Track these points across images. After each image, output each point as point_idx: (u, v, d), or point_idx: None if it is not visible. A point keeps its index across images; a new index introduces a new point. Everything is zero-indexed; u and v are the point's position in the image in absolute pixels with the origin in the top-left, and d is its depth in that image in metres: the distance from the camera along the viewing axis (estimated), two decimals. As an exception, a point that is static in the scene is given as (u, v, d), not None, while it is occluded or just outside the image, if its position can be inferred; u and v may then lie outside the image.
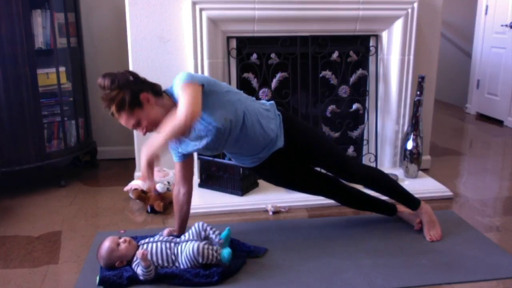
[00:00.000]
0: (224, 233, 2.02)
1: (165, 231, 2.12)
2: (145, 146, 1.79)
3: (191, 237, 2.00)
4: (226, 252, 1.94)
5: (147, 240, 2.01)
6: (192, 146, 2.02)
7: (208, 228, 2.02)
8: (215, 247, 1.95)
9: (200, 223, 2.03)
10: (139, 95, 1.87)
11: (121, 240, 1.97)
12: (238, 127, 1.98)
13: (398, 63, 2.98)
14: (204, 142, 1.97)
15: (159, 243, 1.96)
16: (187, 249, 1.92)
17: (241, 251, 2.09)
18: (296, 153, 2.16)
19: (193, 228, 2.03)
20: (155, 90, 1.93)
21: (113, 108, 1.87)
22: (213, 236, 2.00)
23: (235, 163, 2.53)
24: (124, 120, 1.89)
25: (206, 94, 1.90)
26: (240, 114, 1.97)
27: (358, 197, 2.35)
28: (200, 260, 1.91)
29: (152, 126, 1.91)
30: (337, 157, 2.24)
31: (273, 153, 2.10)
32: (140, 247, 1.96)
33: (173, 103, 1.93)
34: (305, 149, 2.17)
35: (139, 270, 1.87)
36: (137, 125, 1.91)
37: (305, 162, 2.23)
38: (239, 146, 2.06)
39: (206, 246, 1.92)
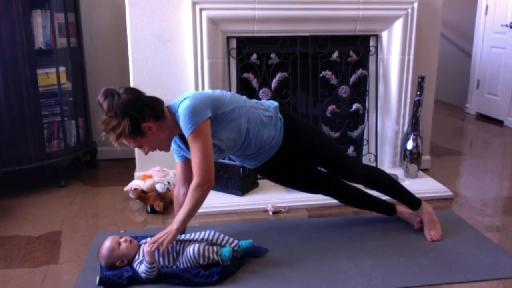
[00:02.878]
0: (245, 243, 2.03)
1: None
2: (158, 236, 1.87)
3: (196, 236, 2.00)
4: (226, 250, 1.94)
5: (148, 239, 2.00)
6: None
7: (221, 238, 2.02)
8: (215, 248, 1.95)
9: (212, 233, 2.03)
10: (140, 125, 1.82)
11: (122, 239, 1.97)
12: (240, 142, 2.03)
13: (398, 63, 2.98)
14: None
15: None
16: (187, 250, 1.93)
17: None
18: (298, 153, 2.17)
19: (202, 233, 2.02)
20: (157, 114, 1.87)
21: (113, 137, 1.82)
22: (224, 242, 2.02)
23: (235, 163, 2.54)
24: (125, 142, 1.88)
25: (213, 121, 1.91)
26: (243, 130, 2.00)
27: (358, 196, 2.35)
28: (201, 262, 1.91)
29: (154, 149, 1.95)
30: (339, 157, 2.24)
31: (274, 154, 2.11)
32: (141, 246, 1.96)
33: (176, 123, 1.92)
34: (307, 149, 2.18)
35: (142, 267, 1.86)
36: (139, 147, 1.93)
37: (307, 162, 2.23)
38: (240, 153, 2.12)
39: (206, 248, 1.93)
